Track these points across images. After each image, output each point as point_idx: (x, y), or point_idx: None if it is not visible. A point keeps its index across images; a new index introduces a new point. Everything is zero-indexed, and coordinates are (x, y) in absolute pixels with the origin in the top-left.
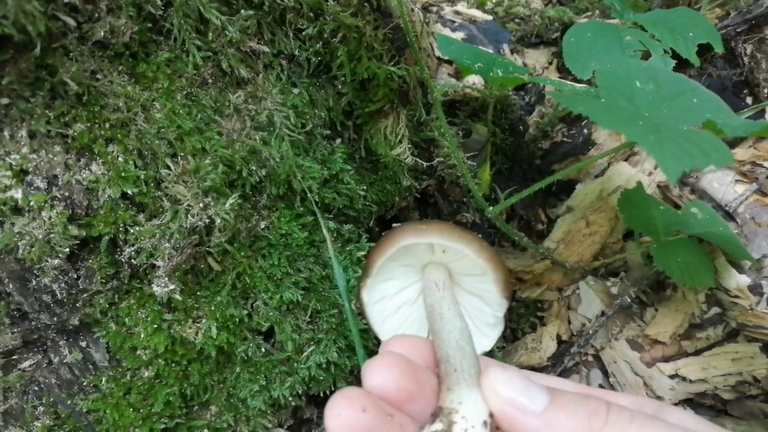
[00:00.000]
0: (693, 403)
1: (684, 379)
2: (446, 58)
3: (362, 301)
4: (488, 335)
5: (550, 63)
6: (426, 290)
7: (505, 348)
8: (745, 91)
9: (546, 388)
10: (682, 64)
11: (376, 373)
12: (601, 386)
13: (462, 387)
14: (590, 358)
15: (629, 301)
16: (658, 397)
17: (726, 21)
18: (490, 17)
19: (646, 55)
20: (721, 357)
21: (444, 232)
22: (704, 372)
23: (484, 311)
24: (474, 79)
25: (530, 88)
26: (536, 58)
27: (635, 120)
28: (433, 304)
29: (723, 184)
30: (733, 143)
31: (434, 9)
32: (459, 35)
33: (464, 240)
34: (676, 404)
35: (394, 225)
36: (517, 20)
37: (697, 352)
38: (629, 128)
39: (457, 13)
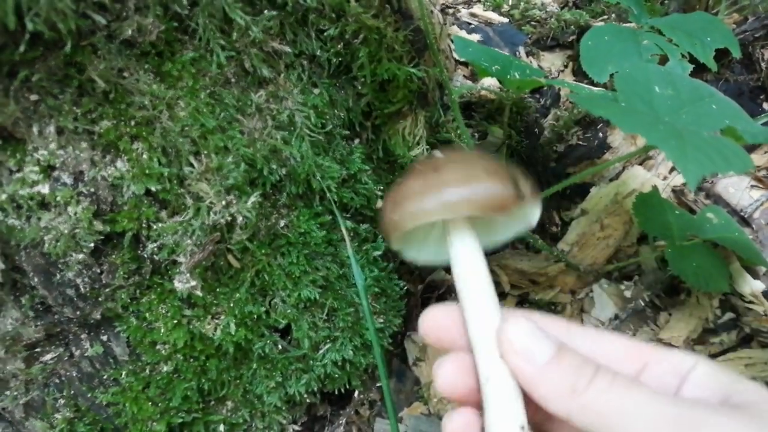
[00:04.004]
0: None
1: None
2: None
3: (398, 251)
4: (533, 216)
5: (566, 66)
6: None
7: None
8: (762, 97)
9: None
10: (699, 69)
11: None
12: None
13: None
14: None
15: (643, 304)
16: None
17: (744, 26)
18: (506, 20)
19: (664, 60)
20: (735, 362)
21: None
22: None
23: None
24: (490, 81)
25: (546, 91)
26: (552, 61)
27: (656, 124)
28: (455, 275)
29: (738, 190)
30: (749, 149)
31: (450, 11)
32: (475, 37)
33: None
34: None
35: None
36: (533, 23)
37: (711, 357)
38: (651, 132)
39: (473, 15)
